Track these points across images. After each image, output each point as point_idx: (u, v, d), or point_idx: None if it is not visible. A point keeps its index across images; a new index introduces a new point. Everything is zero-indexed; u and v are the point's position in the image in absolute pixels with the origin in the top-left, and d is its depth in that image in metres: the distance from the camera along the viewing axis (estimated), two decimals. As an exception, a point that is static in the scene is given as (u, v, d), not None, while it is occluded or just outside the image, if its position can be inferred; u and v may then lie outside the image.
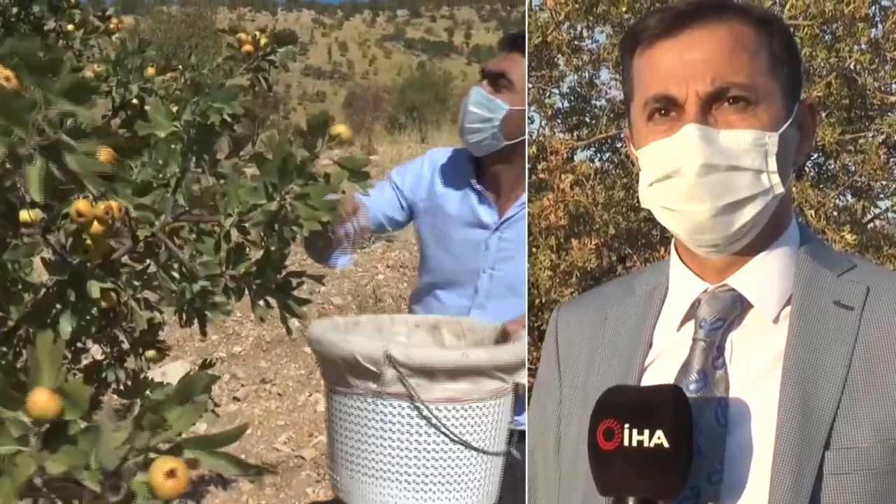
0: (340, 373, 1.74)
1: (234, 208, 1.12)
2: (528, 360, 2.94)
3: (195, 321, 1.25)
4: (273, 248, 1.19)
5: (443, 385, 1.68)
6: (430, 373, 1.67)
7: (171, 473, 0.74)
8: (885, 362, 1.04)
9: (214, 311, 1.21)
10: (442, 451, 1.71)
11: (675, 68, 1.08)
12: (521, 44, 2.23)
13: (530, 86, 3.07)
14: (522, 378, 1.79)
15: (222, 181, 1.21)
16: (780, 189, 1.08)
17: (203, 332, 1.29)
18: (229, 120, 1.29)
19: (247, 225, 1.13)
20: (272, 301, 1.23)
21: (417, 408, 1.68)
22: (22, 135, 0.85)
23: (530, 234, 2.89)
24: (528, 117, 3.11)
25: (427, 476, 1.72)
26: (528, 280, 2.85)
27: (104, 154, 1.00)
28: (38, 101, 0.86)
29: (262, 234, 1.13)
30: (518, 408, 1.90)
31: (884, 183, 3.07)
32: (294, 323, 1.28)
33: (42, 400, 0.75)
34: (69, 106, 0.88)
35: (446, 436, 1.70)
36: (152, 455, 0.76)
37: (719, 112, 1.07)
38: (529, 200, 2.90)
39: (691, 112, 1.07)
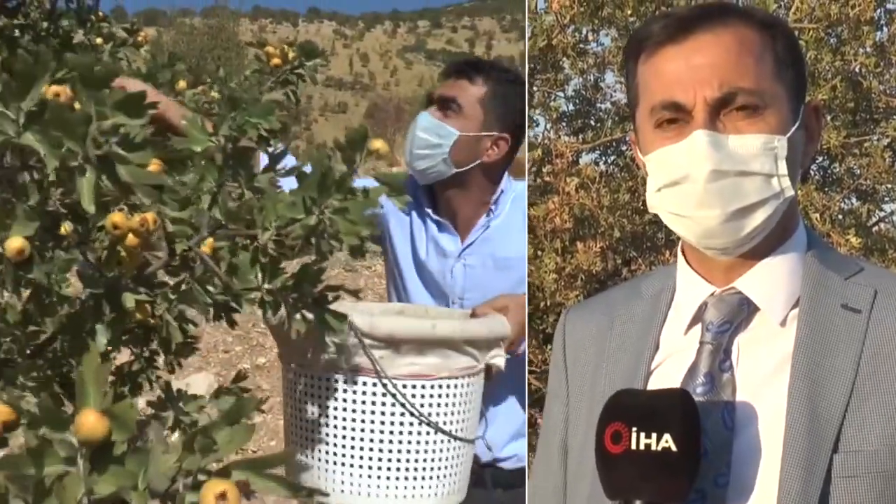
0: (299, 347, 1.64)
1: (271, 222, 1.13)
2: (533, 362, 2.96)
3: (222, 317, 1.26)
4: (310, 262, 1.19)
5: (410, 359, 1.58)
6: (395, 344, 1.57)
7: (222, 496, 0.75)
8: (893, 365, 1.04)
9: (239, 301, 1.22)
10: (408, 434, 1.60)
11: (682, 75, 1.08)
12: (469, 72, 2.19)
13: (535, 89, 3.08)
14: (496, 359, 1.71)
15: (258, 196, 1.22)
16: (790, 192, 1.08)
17: (231, 325, 1.29)
18: (265, 135, 1.29)
19: (284, 239, 1.13)
20: (308, 315, 1.24)
21: (383, 384, 1.58)
22: (73, 147, 0.86)
23: (535, 236, 2.90)
24: (534, 120, 3.13)
25: (391, 462, 1.60)
26: (533, 283, 2.86)
27: (153, 165, 1.01)
28: (91, 115, 0.88)
29: (300, 245, 1.14)
30: (489, 398, 1.80)
31: (889, 186, 3.07)
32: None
33: (90, 421, 0.76)
34: (123, 119, 0.90)
35: (413, 416, 1.59)
36: (201, 477, 0.77)
37: (727, 117, 1.07)
38: (534, 203, 2.91)
39: (699, 118, 1.07)
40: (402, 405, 1.59)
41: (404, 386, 1.59)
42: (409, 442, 1.61)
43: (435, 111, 2.19)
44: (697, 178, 1.06)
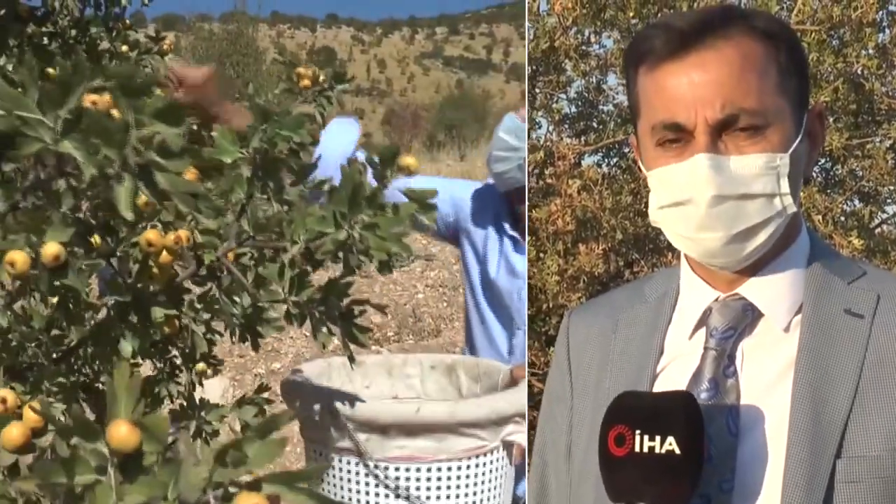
0: (311, 423, 1.63)
1: (300, 235, 1.14)
2: (536, 364, 2.95)
3: (247, 338, 1.27)
4: (338, 276, 1.20)
5: (399, 442, 1.52)
6: (381, 428, 1.51)
7: None
8: None
9: (266, 326, 1.24)
10: None
11: (684, 93, 1.07)
12: None
13: (538, 91, 3.08)
14: (515, 437, 1.60)
15: (287, 208, 1.23)
16: (792, 209, 1.08)
17: (255, 348, 1.31)
18: (296, 148, 1.29)
19: (313, 252, 1.14)
20: (334, 328, 1.24)
21: (365, 464, 1.52)
22: (111, 155, 0.87)
23: (537, 238, 2.89)
24: (536, 122, 3.12)
25: None
26: (535, 285, 2.86)
27: (189, 174, 1.02)
28: (130, 123, 0.89)
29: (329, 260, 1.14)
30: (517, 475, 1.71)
31: (891, 188, 3.06)
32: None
33: (122, 433, 0.76)
34: (161, 127, 0.91)
35: (407, 501, 1.53)
36: (232, 490, 0.77)
37: (729, 137, 1.06)
38: (536, 206, 2.91)
39: (701, 141, 1.06)
40: (392, 489, 1.54)
41: (397, 469, 1.53)
42: None
43: (521, 112, 2.12)
44: (699, 203, 1.06)
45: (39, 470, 0.76)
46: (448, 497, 1.55)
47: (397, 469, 1.53)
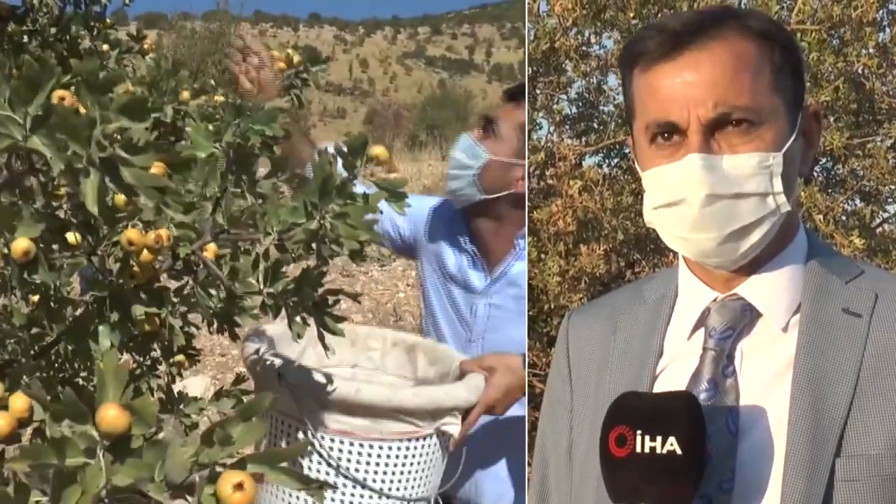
0: (265, 388, 1.67)
1: (273, 227, 1.15)
2: (537, 365, 2.95)
3: (225, 329, 1.28)
4: (311, 266, 1.21)
5: (336, 416, 1.58)
6: (321, 400, 1.58)
7: (238, 486, 0.77)
8: (894, 369, 1.04)
9: (243, 315, 1.24)
10: (339, 491, 1.62)
11: (676, 93, 1.07)
12: (519, 96, 2.13)
13: (539, 91, 3.08)
14: (449, 427, 1.67)
15: (261, 201, 1.24)
16: (785, 208, 1.08)
17: (233, 338, 1.31)
18: (269, 141, 1.30)
19: (286, 243, 1.15)
20: (309, 318, 1.26)
21: (304, 432, 1.60)
22: (78, 150, 0.88)
23: (539, 239, 2.89)
24: (537, 123, 3.12)
25: None
26: (537, 286, 2.86)
27: (157, 168, 1.02)
28: (96, 118, 0.89)
29: (302, 251, 1.16)
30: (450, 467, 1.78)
31: (892, 187, 3.06)
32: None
33: (112, 416, 0.78)
34: (126, 122, 0.92)
35: (336, 470, 1.60)
36: (218, 469, 0.79)
37: (722, 136, 1.06)
38: (537, 206, 2.91)
39: (694, 140, 1.06)
40: (325, 458, 1.61)
41: (332, 440, 1.60)
42: (333, 496, 1.63)
43: (476, 132, 2.12)
44: (692, 203, 1.06)
45: (31, 451, 0.77)
46: (377, 472, 1.63)
47: (332, 440, 1.61)
